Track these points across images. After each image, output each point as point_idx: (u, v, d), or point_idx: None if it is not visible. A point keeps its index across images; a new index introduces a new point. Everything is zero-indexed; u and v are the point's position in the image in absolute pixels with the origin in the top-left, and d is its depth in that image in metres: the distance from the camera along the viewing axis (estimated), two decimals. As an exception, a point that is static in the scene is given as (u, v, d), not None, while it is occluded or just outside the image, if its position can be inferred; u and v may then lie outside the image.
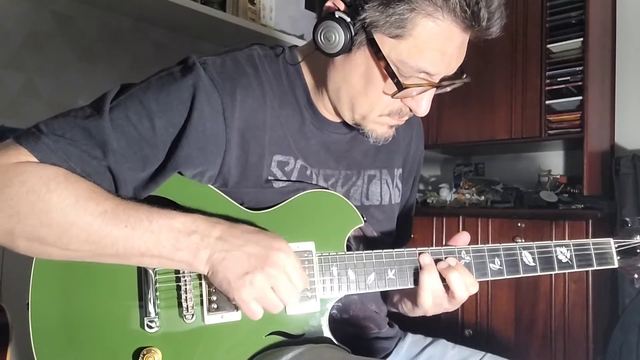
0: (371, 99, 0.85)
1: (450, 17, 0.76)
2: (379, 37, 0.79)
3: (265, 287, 0.75)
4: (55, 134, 0.76)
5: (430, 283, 0.86)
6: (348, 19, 0.80)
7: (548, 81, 2.38)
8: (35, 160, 0.74)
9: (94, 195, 0.74)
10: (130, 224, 0.73)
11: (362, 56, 0.82)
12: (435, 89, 0.85)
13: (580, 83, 2.29)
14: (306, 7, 2.64)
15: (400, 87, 0.80)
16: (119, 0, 2.20)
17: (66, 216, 0.71)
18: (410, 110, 0.87)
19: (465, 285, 0.86)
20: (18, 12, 2.06)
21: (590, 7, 2.28)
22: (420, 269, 0.87)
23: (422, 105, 0.85)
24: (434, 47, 0.78)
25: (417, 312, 0.95)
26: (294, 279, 0.76)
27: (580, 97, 2.29)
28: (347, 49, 0.82)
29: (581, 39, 2.29)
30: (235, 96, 0.83)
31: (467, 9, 0.75)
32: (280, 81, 0.91)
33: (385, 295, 1.02)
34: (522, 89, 2.46)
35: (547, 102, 2.39)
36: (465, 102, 2.62)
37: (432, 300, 0.88)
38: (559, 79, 2.36)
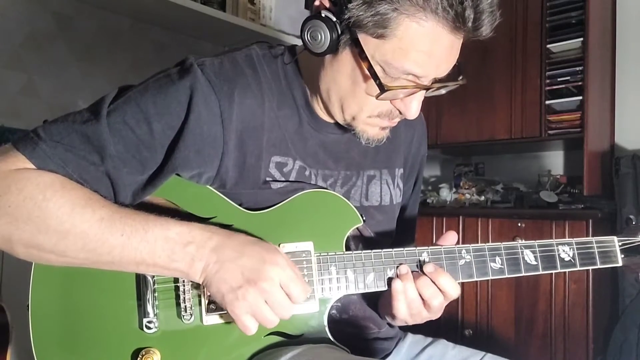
0: (359, 100, 0.83)
1: (434, 17, 0.73)
2: (363, 37, 0.77)
3: (257, 301, 0.74)
4: (53, 140, 0.76)
5: (401, 293, 0.85)
6: (334, 19, 0.79)
7: (548, 81, 2.38)
8: (33, 166, 0.75)
9: (90, 203, 0.74)
10: (126, 233, 0.73)
11: (347, 56, 0.81)
12: (425, 91, 0.82)
13: (580, 83, 2.29)
14: (306, 7, 2.65)
15: (382, 88, 0.77)
16: (118, 0, 2.21)
17: (62, 224, 0.72)
18: (400, 112, 0.84)
19: (443, 294, 0.85)
20: (18, 12, 2.06)
21: (590, 7, 2.28)
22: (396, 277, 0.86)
23: (412, 108, 0.83)
24: (419, 48, 0.75)
25: (397, 322, 0.93)
26: (292, 293, 0.75)
27: (580, 97, 2.29)
28: (334, 48, 0.80)
29: (581, 39, 2.29)
30: (233, 97, 0.83)
31: (450, 10, 0.72)
32: (278, 81, 0.90)
33: (375, 303, 1.00)
34: (522, 89, 2.46)
35: (547, 102, 2.39)
36: (465, 102, 2.62)
37: (406, 310, 0.86)
38: (559, 79, 2.36)
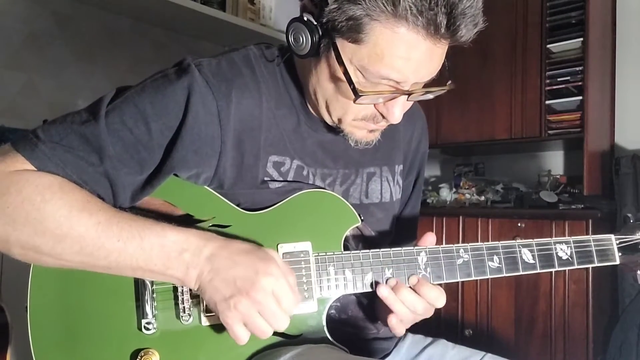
0: (342, 104, 0.83)
1: (405, 24, 0.72)
2: (340, 42, 0.77)
3: (250, 312, 0.73)
4: (52, 141, 0.76)
5: (395, 319, 0.87)
6: (314, 22, 0.78)
7: (548, 81, 2.38)
8: (33, 167, 0.75)
9: (88, 206, 0.74)
10: (122, 239, 0.73)
11: (328, 60, 0.81)
12: (407, 96, 0.81)
13: (580, 83, 2.29)
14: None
15: (356, 94, 0.76)
16: (118, 0, 2.21)
17: (59, 227, 0.71)
18: (383, 117, 0.84)
19: (416, 302, 0.86)
20: (18, 12, 2.06)
21: (590, 7, 2.28)
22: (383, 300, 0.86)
23: (394, 112, 0.82)
24: (395, 54, 0.74)
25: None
26: (284, 303, 0.75)
27: (580, 97, 2.29)
28: (315, 51, 0.80)
29: (581, 39, 2.29)
30: (231, 97, 0.83)
31: (419, 17, 0.71)
32: (276, 81, 0.90)
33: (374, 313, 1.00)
34: (522, 89, 2.46)
35: (547, 102, 2.39)
36: (466, 102, 2.62)
37: (403, 326, 0.89)
38: (559, 79, 2.36)
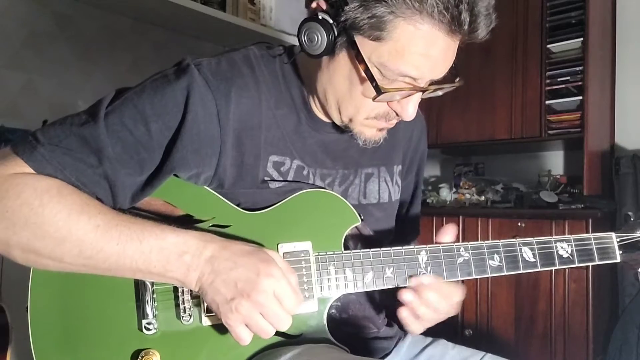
0: (356, 102, 0.84)
1: (430, 21, 0.74)
2: (359, 40, 0.78)
3: (252, 314, 0.73)
4: (51, 143, 0.76)
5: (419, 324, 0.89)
6: (330, 21, 0.79)
7: (548, 81, 2.38)
8: (32, 170, 0.75)
9: (86, 209, 0.73)
10: (121, 242, 0.73)
11: (344, 58, 0.81)
12: (421, 93, 0.83)
13: (580, 83, 2.30)
14: (306, 7, 2.66)
15: (379, 91, 0.78)
16: (119, 0, 2.21)
17: (58, 230, 0.71)
18: (397, 114, 0.85)
19: (439, 301, 0.87)
20: (18, 12, 2.06)
21: (590, 7, 2.28)
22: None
23: (408, 109, 0.83)
24: (415, 50, 0.76)
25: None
26: (285, 304, 0.75)
27: (580, 97, 2.29)
28: (330, 50, 0.81)
29: (581, 39, 2.30)
30: (230, 97, 0.83)
31: (446, 13, 0.73)
32: (276, 81, 0.90)
33: (375, 303, 1.01)
34: (522, 89, 2.46)
35: (547, 102, 2.39)
36: (466, 102, 2.62)
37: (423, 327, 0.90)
38: (559, 79, 2.36)
